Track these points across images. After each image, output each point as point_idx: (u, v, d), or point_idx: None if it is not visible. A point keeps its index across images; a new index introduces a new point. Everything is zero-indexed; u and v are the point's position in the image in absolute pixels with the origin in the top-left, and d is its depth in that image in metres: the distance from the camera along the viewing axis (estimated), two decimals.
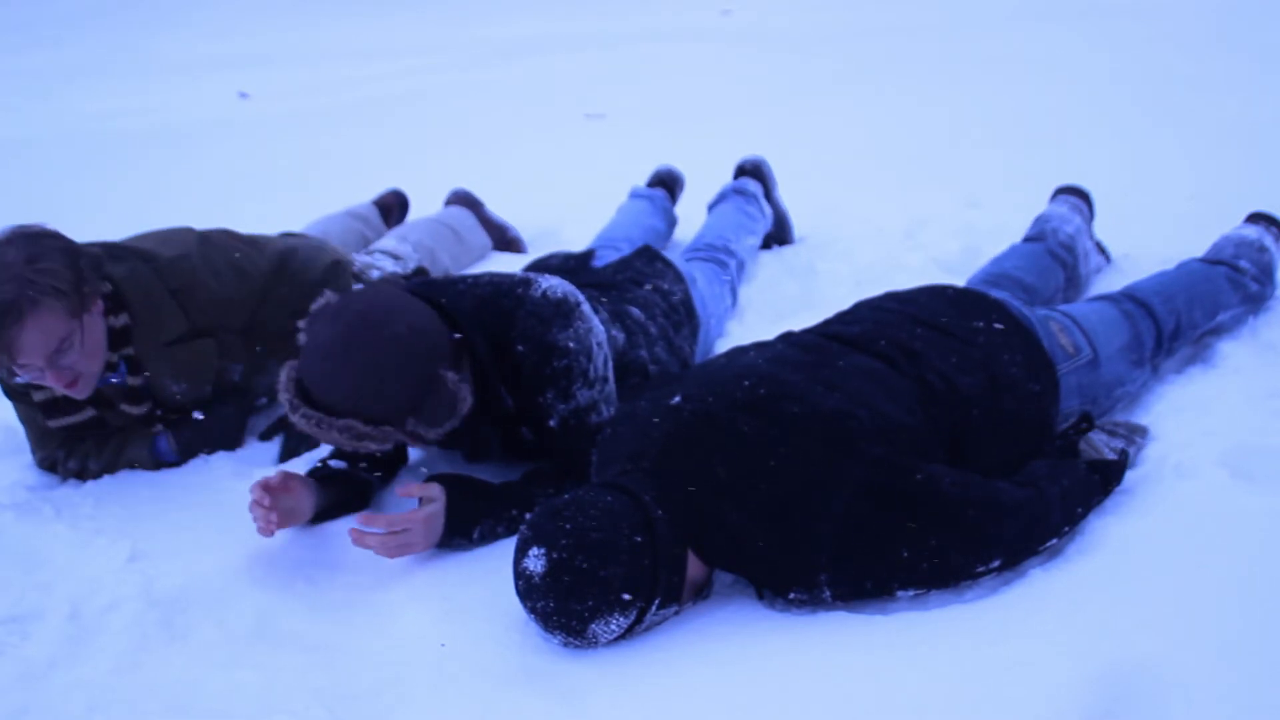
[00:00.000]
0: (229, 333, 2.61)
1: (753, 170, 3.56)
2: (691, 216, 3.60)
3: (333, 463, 2.39)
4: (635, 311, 2.61)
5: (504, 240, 3.80)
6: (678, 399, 1.99)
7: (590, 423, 2.25)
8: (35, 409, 2.59)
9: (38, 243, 2.30)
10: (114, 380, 2.54)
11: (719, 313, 2.97)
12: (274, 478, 2.20)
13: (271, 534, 2.19)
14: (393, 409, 2.03)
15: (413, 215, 3.90)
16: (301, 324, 2.10)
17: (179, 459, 2.63)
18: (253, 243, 2.72)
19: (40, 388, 2.53)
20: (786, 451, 1.86)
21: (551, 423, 2.24)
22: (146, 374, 2.57)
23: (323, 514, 2.32)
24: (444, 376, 2.06)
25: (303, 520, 2.28)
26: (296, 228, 3.34)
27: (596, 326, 2.27)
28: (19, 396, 2.61)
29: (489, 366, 2.18)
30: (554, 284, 2.25)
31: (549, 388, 2.21)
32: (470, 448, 2.35)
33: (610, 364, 2.32)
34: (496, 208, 3.87)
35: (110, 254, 2.50)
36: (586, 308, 2.26)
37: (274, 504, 2.18)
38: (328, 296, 2.12)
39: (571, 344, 2.20)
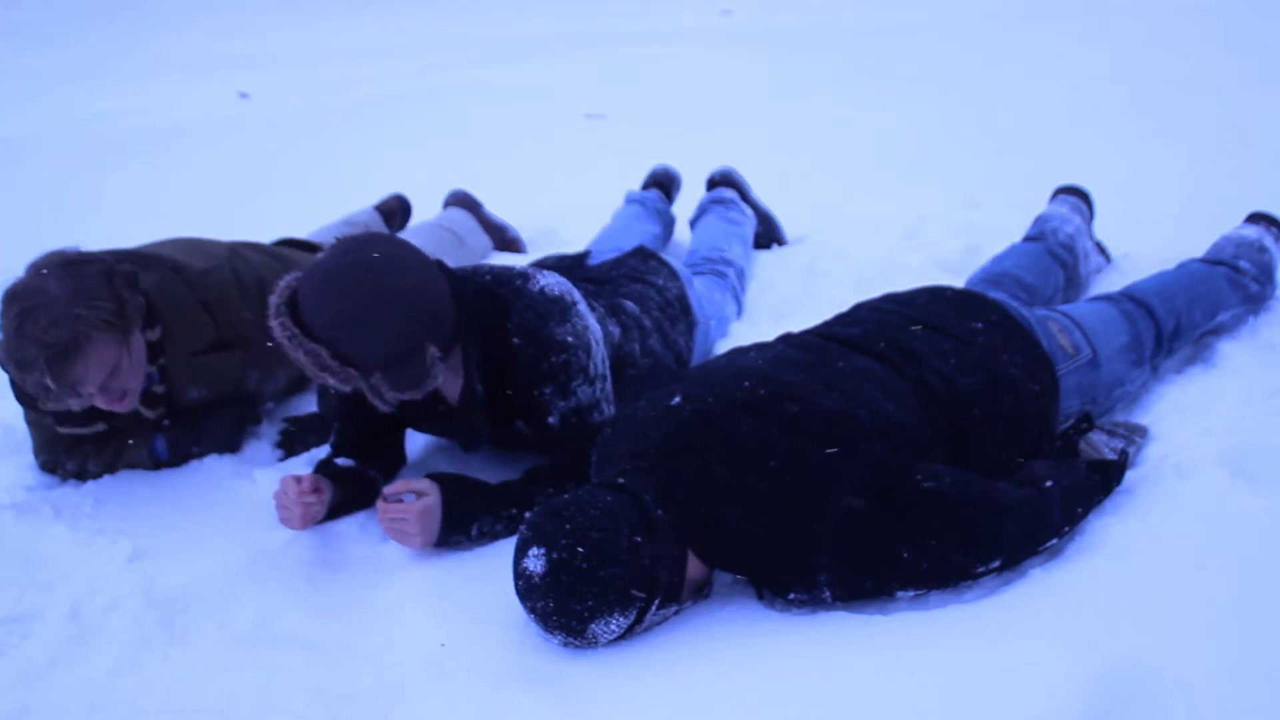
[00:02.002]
0: (254, 346, 2.61)
1: (723, 180, 3.56)
2: (690, 218, 3.60)
3: (339, 460, 2.39)
4: (629, 305, 2.61)
5: (504, 241, 3.80)
6: (677, 399, 1.99)
7: (592, 421, 2.25)
8: (46, 414, 2.59)
9: (77, 272, 2.29)
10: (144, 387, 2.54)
11: (720, 316, 2.96)
12: (308, 478, 2.26)
13: (305, 526, 2.25)
14: (366, 357, 2.03)
15: (413, 217, 3.89)
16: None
17: (173, 460, 2.63)
18: (280, 259, 2.72)
19: None
20: (786, 451, 1.86)
21: (551, 419, 2.23)
22: (168, 383, 2.57)
23: (331, 511, 2.33)
24: (427, 350, 2.07)
25: (319, 518, 2.30)
26: (296, 229, 3.33)
27: (593, 324, 2.27)
28: (30, 402, 2.61)
29: (471, 356, 2.18)
30: (552, 281, 2.26)
31: (548, 383, 2.20)
32: (462, 437, 2.35)
33: (608, 362, 2.32)
34: (496, 208, 3.87)
35: (139, 263, 2.50)
36: (583, 306, 2.27)
37: (319, 498, 2.25)
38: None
39: (570, 339, 2.20)
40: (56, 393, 2.28)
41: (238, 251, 2.66)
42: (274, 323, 2.04)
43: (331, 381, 2.05)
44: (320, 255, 2.07)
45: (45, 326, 2.21)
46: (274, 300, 2.05)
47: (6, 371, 2.38)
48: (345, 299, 2.00)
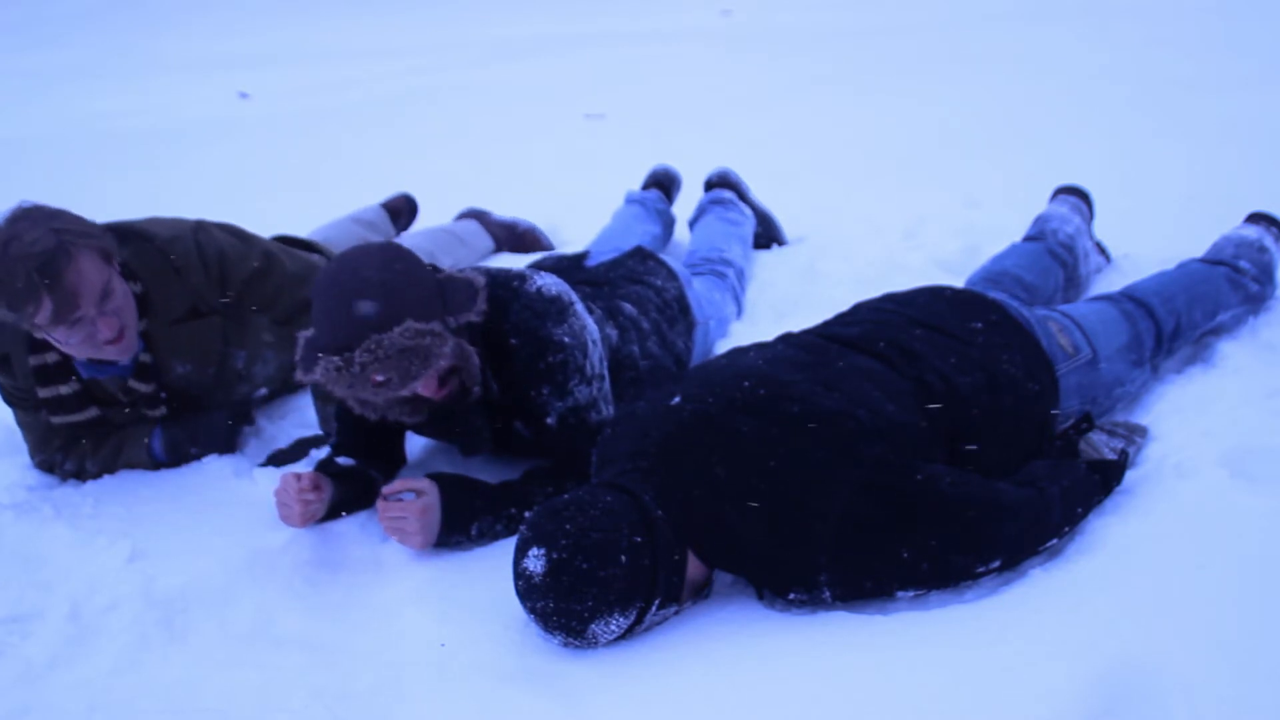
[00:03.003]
0: (227, 315, 2.62)
1: (720, 181, 3.56)
2: (688, 218, 3.60)
3: (340, 460, 2.39)
4: (627, 307, 2.62)
5: (515, 235, 3.79)
6: (677, 399, 1.99)
7: (590, 421, 2.25)
8: (36, 412, 2.59)
9: (44, 209, 2.35)
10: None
11: (719, 316, 2.96)
12: (308, 475, 2.26)
13: (304, 524, 2.25)
14: (424, 298, 2.04)
15: (418, 217, 3.90)
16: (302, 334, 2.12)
17: (170, 459, 2.63)
18: (246, 239, 2.73)
19: (47, 382, 2.53)
20: (786, 452, 1.86)
21: (550, 420, 2.24)
22: (153, 353, 2.58)
23: (331, 511, 2.33)
24: (441, 269, 2.14)
25: (319, 517, 2.30)
26: (298, 228, 3.34)
27: (590, 325, 2.28)
28: (19, 401, 2.61)
29: (479, 350, 2.18)
30: (549, 282, 2.26)
31: (544, 383, 2.20)
32: (463, 440, 2.35)
33: (605, 363, 2.32)
34: (497, 208, 3.87)
35: (112, 233, 2.51)
36: (580, 307, 2.27)
37: (319, 496, 2.25)
38: None
39: (566, 339, 2.20)
40: (56, 312, 2.27)
41: (203, 225, 2.67)
42: (350, 371, 2.00)
43: (441, 350, 2.03)
44: (312, 319, 2.07)
45: (29, 242, 2.25)
46: (325, 368, 2.03)
47: (8, 326, 2.39)
48: (366, 279, 2.00)
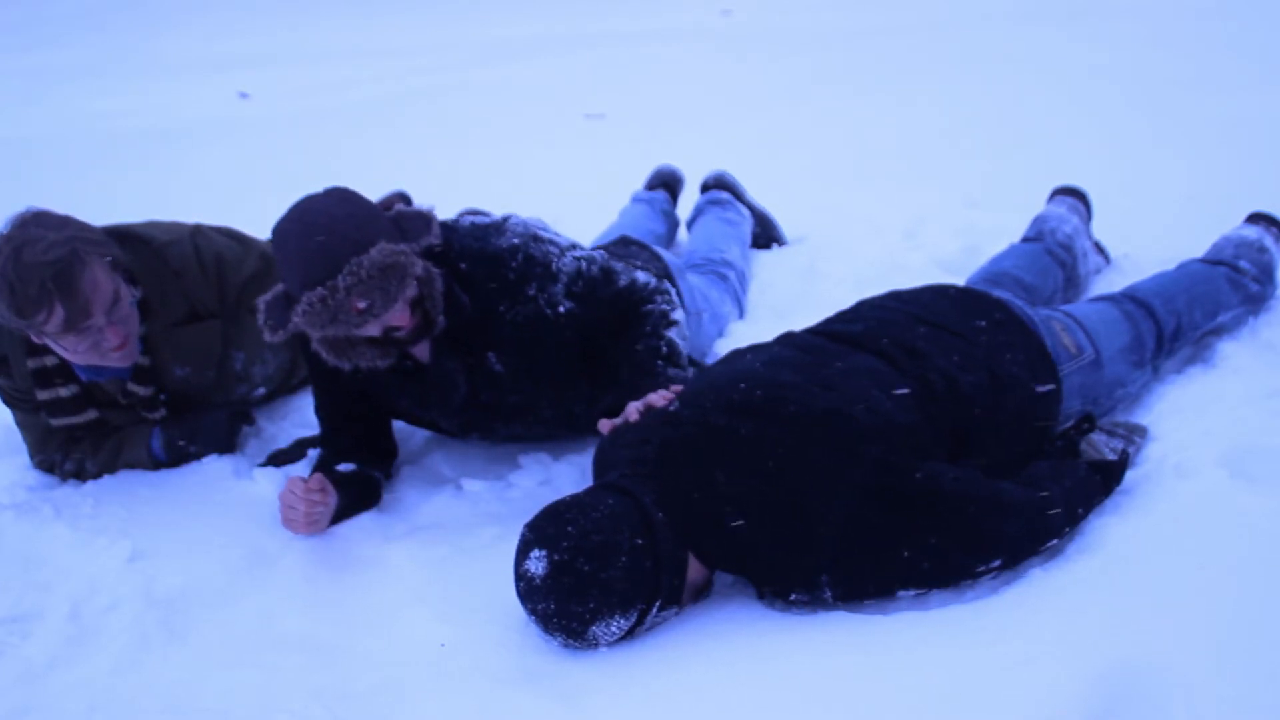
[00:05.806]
0: (226, 319, 2.62)
1: (716, 183, 3.56)
2: (686, 219, 3.60)
3: (341, 467, 2.39)
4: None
5: None
6: (675, 405, 1.99)
7: (596, 274, 2.27)
8: (35, 413, 2.59)
9: (52, 214, 2.36)
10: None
11: (715, 313, 2.93)
12: (315, 476, 2.26)
13: (308, 530, 2.25)
14: (385, 225, 2.09)
15: None
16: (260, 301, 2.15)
17: (169, 458, 2.63)
18: (243, 241, 2.73)
19: (46, 384, 2.53)
20: (785, 453, 1.86)
21: (563, 309, 2.24)
22: (152, 356, 2.58)
23: (335, 517, 2.32)
24: (390, 206, 2.18)
25: (324, 525, 2.29)
26: None
27: (531, 221, 2.31)
28: (18, 402, 2.61)
29: (438, 272, 2.19)
30: (479, 218, 2.32)
31: (527, 285, 2.22)
32: (439, 396, 2.34)
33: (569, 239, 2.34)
34: (495, 207, 3.87)
35: (111, 237, 2.51)
36: (515, 220, 2.31)
37: (325, 498, 2.25)
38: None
39: (515, 240, 2.24)
40: (67, 320, 2.28)
41: (201, 229, 2.68)
42: (321, 301, 2.03)
43: (415, 270, 2.07)
44: (278, 260, 2.11)
45: (43, 249, 2.25)
46: (304, 308, 2.05)
47: (6, 328, 2.39)
48: (328, 216, 2.04)
